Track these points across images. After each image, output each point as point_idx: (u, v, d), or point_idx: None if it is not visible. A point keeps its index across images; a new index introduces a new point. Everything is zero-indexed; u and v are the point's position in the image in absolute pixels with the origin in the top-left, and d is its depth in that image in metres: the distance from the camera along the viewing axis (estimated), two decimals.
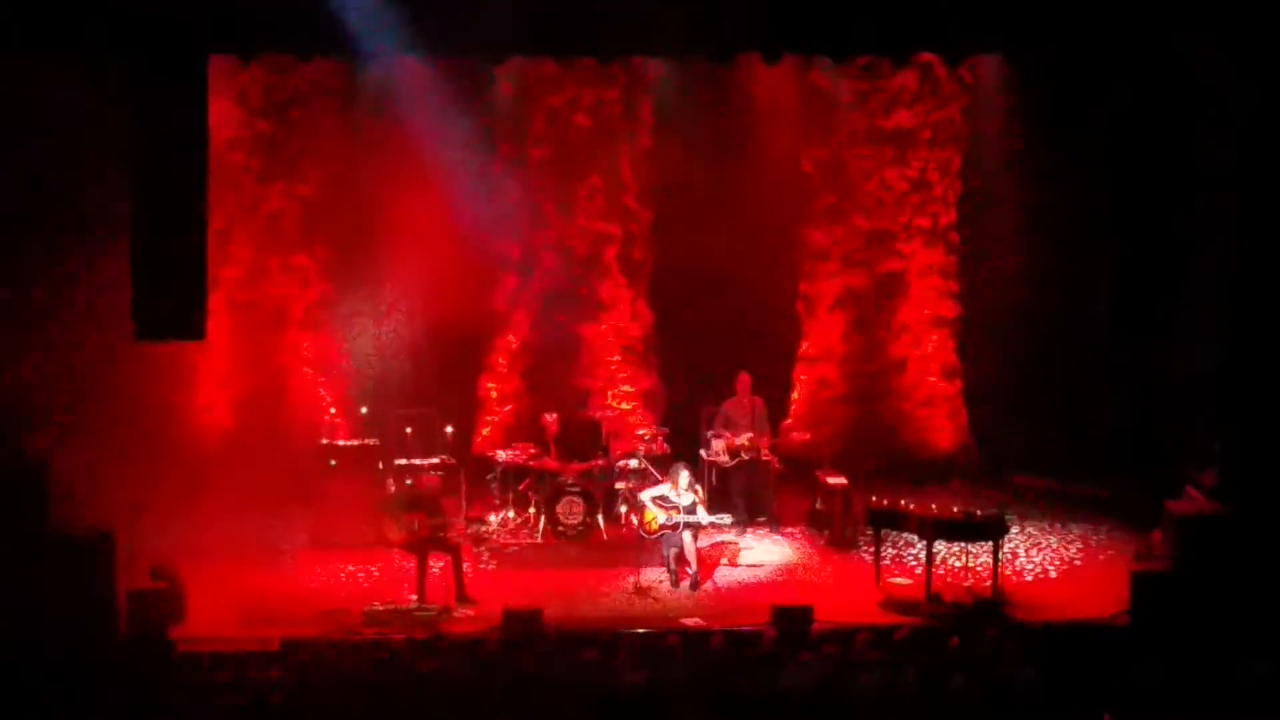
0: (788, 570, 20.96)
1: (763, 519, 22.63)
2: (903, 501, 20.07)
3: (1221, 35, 19.61)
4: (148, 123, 18.17)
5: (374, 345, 24.40)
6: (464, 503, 22.51)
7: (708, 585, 20.01)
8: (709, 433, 22.70)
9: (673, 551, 19.95)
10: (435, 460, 22.18)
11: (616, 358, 25.35)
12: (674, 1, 19.11)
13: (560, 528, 21.78)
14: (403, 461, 22.17)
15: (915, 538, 20.45)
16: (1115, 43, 20.28)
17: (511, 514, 22.55)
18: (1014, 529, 21.47)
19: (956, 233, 25.42)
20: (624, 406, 24.08)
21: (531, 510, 22.38)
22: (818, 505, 22.43)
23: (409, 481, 21.04)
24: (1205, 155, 21.19)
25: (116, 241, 18.87)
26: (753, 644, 17.05)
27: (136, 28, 18.11)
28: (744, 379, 22.63)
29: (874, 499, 20.40)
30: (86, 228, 20.67)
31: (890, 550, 21.15)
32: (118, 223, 18.82)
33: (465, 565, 19.74)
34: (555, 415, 22.83)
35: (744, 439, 22.31)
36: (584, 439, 22.80)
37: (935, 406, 25.76)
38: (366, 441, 22.17)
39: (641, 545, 20.11)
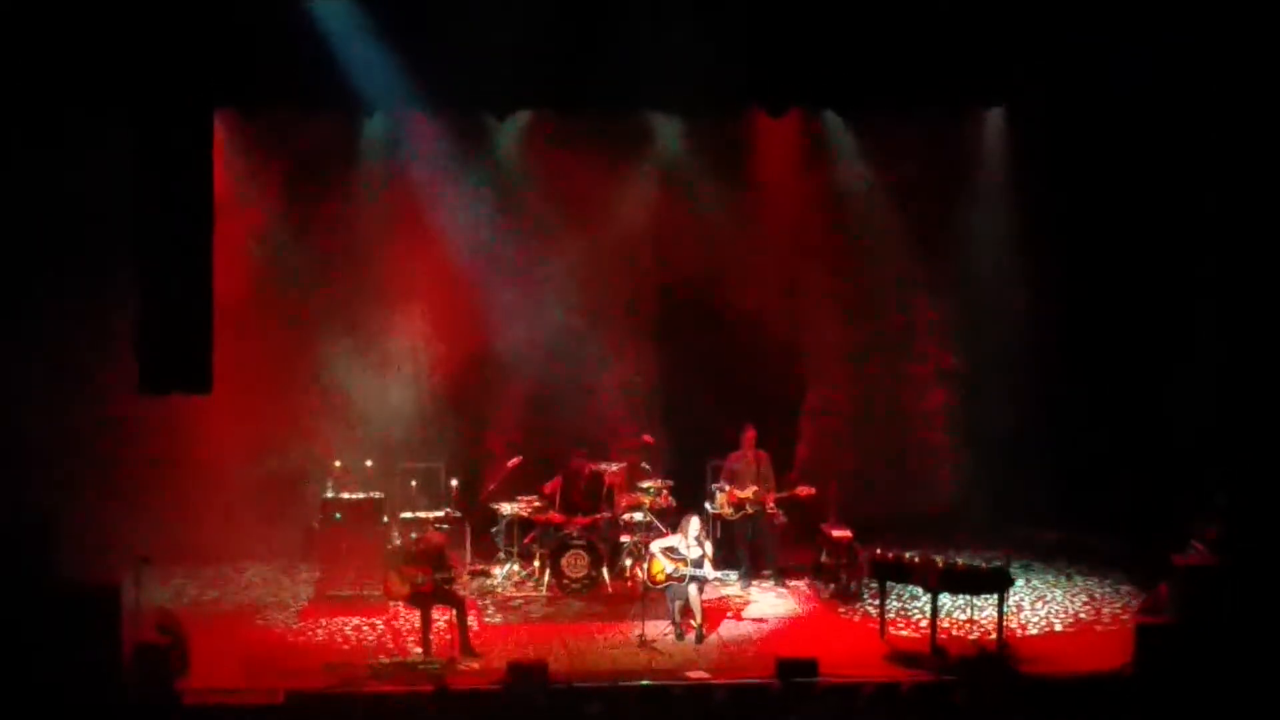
0: (792, 623, 20.93)
1: (767, 572, 22.65)
2: (907, 554, 20.04)
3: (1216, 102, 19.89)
4: (154, 176, 18.24)
5: (379, 398, 24.39)
6: (469, 556, 22.56)
7: (712, 638, 19.97)
8: (713, 486, 22.74)
9: (678, 604, 19.93)
10: (440, 513, 22.21)
11: (621, 410, 25.32)
12: (679, 56, 19.24)
13: (565, 581, 21.80)
14: (408, 515, 22.20)
15: (920, 590, 20.45)
16: (1114, 98, 20.49)
17: (516, 567, 22.57)
18: (1019, 582, 21.51)
19: (959, 284, 25.42)
20: (629, 460, 23.96)
21: (536, 563, 22.40)
22: (822, 558, 22.42)
23: (414, 535, 21.04)
24: (1207, 206, 21.33)
25: (124, 294, 18.91)
26: (757, 697, 17.05)
27: (141, 81, 18.23)
28: (750, 433, 22.65)
29: (878, 552, 20.36)
30: (94, 280, 20.75)
31: (895, 603, 21.15)
32: (125, 276, 18.86)
33: (470, 618, 19.70)
34: (556, 479, 22.87)
35: (748, 492, 22.33)
36: (588, 492, 22.81)
37: (939, 458, 25.78)
38: (372, 495, 22.13)
39: (647, 598, 20.08)
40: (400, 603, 19.86)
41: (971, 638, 19.80)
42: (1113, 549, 23.19)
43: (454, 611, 19.33)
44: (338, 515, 21.89)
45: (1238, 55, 19.54)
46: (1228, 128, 20.22)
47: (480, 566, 22.72)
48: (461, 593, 20.10)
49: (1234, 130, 20.09)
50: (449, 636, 19.24)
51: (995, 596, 19.32)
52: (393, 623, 20.49)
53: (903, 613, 21.04)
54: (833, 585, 22.05)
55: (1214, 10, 19.54)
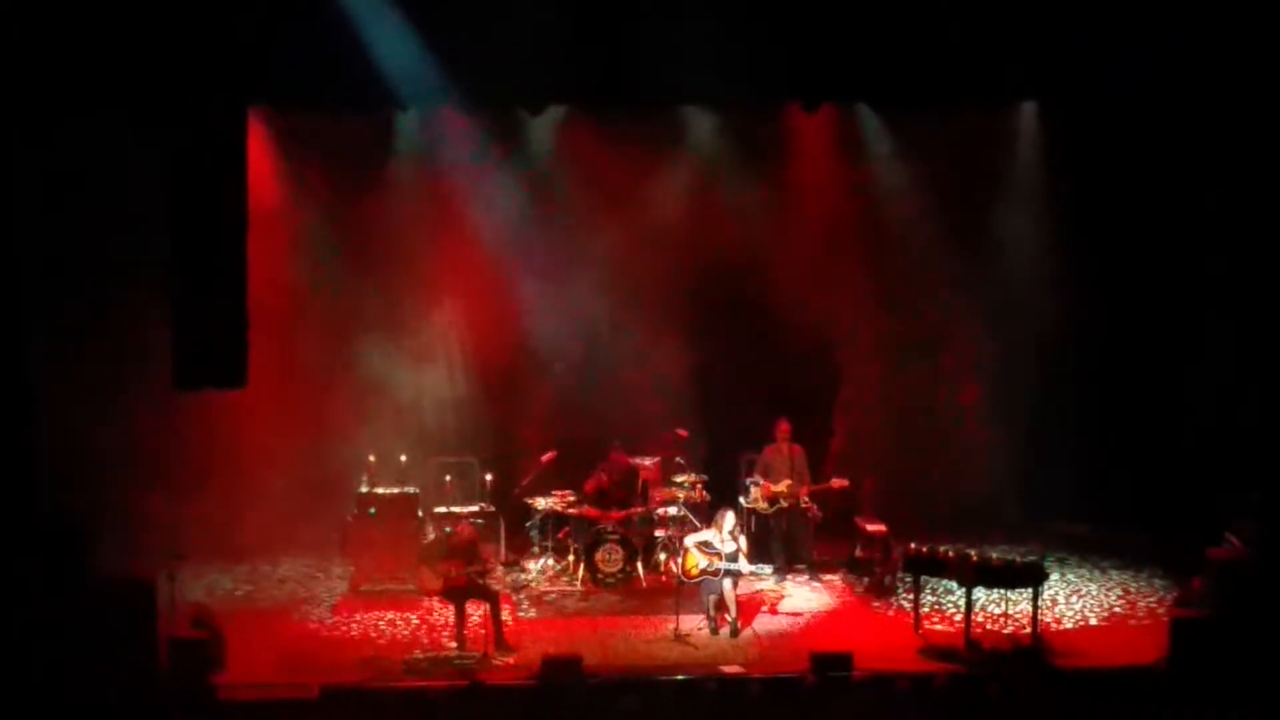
0: (827, 617, 20.93)
1: (801, 566, 22.64)
2: (942, 548, 20.01)
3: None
4: (187, 173, 18.28)
5: (414, 392, 24.42)
6: (503, 550, 22.59)
7: (747, 632, 19.98)
8: (748, 480, 22.74)
9: (712, 598, 19.93)
10: (474, 508, 22.25)
11: (656, 404, 25.29)
12: (714, 51, 19.25)
13: (599, 575, 21.82)
14: (442, 509, 22.24)
15: (954, 585, 20.40)
16: (1146, 95, 20.45)
17: (551, 561, 22.60)
18: (1053, 576, 21.47)
19: (992, 280, 25.32)
20: (663, 454, 23.95)
21: (571, 558, 22.43)
22: (857, 552, 22.42)
23: (448, 530, 21.09)
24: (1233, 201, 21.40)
25: (159, 292, 18.96)
26: (792, 691, 17.04)
27: (174, 77, 18.27)
28: (784, 426, 22.66)
29: (913, 546, 20.33)
30: (129, 278, 20.80)
31: (929, 597, 21.13)
32: (160, 273, 18.91)
33: (504, 613, 19.75)
34: (599, 476, 22.87)
35: (782, 486, 22.33)
36: (623, 487, 22.82)
37: (973, 453, 25.67)
38: (406, 489, 22.19)
39: (681, 592, 20.09)
40: (434, 597, 19.90)
41: (1006, 632, 19.78)
42: (1146, 543, 23.14)
43: (488, 606, 19.37)
44: (372, 510, 21.95)
45: (1245, 55, 19.60)
46: (1250, 126, 20.25)
47: (513, 559, 22.76)
48: (495, 587, 20.14)
49: (1258, 129, 20.13)
50: (483, 631, 19.27)
51: (1030, 591, 19.29)
52: (427, 617, 20.55)
53: (937, 607, 21.02)
54: (867, 579, 22.05)
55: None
